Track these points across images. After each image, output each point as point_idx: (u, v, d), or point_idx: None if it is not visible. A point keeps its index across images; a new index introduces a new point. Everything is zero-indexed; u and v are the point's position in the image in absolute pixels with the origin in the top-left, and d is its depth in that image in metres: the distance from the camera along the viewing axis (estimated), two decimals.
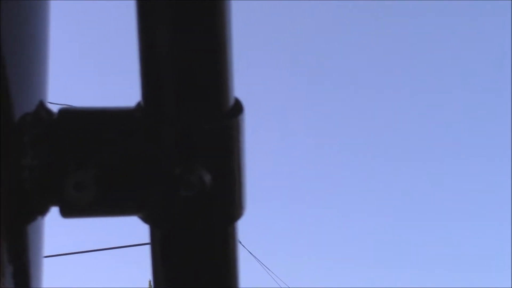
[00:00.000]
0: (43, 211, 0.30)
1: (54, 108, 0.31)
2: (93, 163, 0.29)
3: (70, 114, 0.31)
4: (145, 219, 0.31)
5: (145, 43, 0.29)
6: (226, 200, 0.31)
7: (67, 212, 0.29)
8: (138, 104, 0.30)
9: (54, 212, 0.30)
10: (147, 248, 0.34)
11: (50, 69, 0.32)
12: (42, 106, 0.29)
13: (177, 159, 0.30)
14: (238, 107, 0.31)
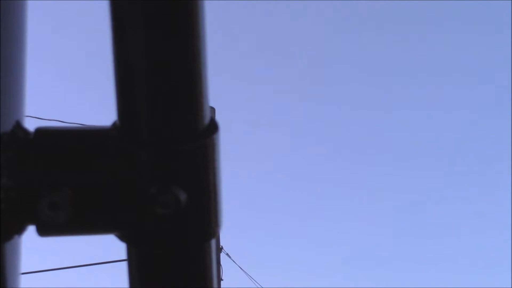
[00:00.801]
0: (20, 230, 0.30)
1: (32, 126, 0.31)
2: (68, 183, 0.29)
3: (46, 134, 0.30)
4: (121, 238, 0.31)
5: (119, 62, 0.29)
6: (202, 219, 0.31)
7: (43, 231, 0.29)
8: (114, 124, 0.30)
9: (31, 230, 0.30)
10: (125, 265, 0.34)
11: (27, 86, 0.32)
12: (18, 125, 0.29)
13: (152, 179, 0.30)
14: (213, 126, 0.31)
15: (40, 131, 0.30)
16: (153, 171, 0.30)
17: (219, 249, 22.22)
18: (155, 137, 0.30)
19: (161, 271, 0.33)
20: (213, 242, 0.33)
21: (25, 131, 0.30)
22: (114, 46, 0.29)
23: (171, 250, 0.32)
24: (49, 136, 0.31)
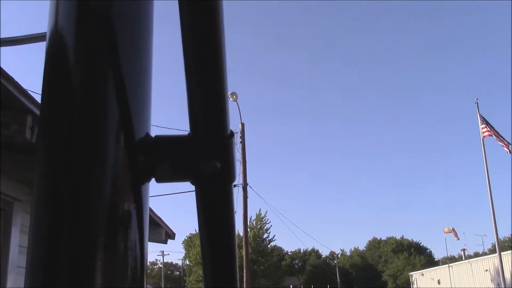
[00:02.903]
0: (149, 180, 0.59)
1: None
2: (170, 160, 0.59)
3: (160, 138, 0.60)
4: (192, 183, 0.62)
5: (190, 101, 0.59)
6: (227, 173, 0.62)
7: (159, 180, 0.59)
8: (189, 133, 0.61)
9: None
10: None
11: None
12: (148, 134, 0.58)
13: (205, 157, 0.60)
14: (232, 134, 0.62)
15: (157, 137, 0.60)
16: (206, 153, 0.60)
17: (246, 185, 22.54)
18: (208, 139, 0.60)
19: (210, 199, 0.65)
20: (232, 185, 0.65)
21: (151, 137, 0.59)
22: (186, 85, 0.58)
23: (216, 186, 0.64)
24: (162, 140, 0.60)
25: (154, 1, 0.61)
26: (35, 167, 0.54)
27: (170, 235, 9.33)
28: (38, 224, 0.51)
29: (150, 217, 8.08)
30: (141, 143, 0.56)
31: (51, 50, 0.56)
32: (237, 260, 0.70)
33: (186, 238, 52.96)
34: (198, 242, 45.86)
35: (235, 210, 0.67)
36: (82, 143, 0.52)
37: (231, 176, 0.62)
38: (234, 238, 0.69)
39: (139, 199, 0.55)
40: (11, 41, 1.27)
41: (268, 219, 46.36)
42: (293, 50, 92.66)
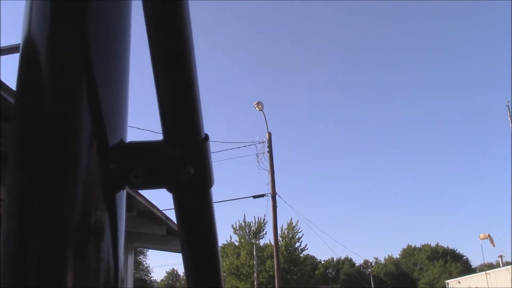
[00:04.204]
0: (123, 187, 0.57)
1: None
2: (143, 166, 0.57)
3: (133, 144, 0.59)
4: (168, 189, 0.60)
5: (160, 105, 0.57)
6: (203, 179, 0.60)
7: (132, 187, 0.57)
8: (163, 139, 0.59)
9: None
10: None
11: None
12: (121, 140, 0.57)
13: (180, 162, 0.58)
14: (206, 137, 0.60)
15: (131, 143, 0.58)
16: (180, 159, 0.58)
17: (275, 194, 22.65)
18: (181, 144, 0.58)
19: (187, 206, 0.63)
20: (210, 190, 0.63)
21: (125, 143, 0.57)
22: (156, 90, 0.57)
23: (191, 193, 0.62)
24: (134, 146, 0.59)
25: (133, 1, 0.60)
26: (7, 171, 0.53)
27: None
28: (8, 229, 0.51)
29: (170, 227, 8.23)
30: (113, 149, 0.56)
31: (24, 54, 0.55)
32: (220, 266, 0.70)
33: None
34: (229, 252, 46.09)
35: (214, 215, 0.67)
36: (53, 149, 0.51)
37: (207, 181, 0.62)
38: (215, 243, 0.68)
39: (112, 207, 0.55)
40: None
41: (299, 228, 46.13)
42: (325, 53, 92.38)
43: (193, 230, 0.66)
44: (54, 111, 0.52)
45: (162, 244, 9.08)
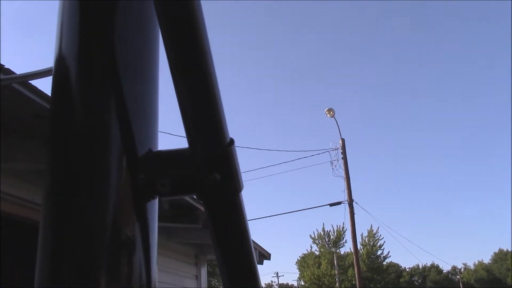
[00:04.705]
0: (152, 196, 0.58)
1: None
2: (169, 175, 0.58)
3: (160, 154, 0.59)
4: (197, 197, 0.60)
5: (182, 112, 0.57)
6: (230, 185, 0.59)
7: (161, 196, 0.58)
8: (188, 148, 0.59)
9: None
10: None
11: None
12: (150, 150, 0.59)
13: (205, 168, 0.58)
14: (231, 142, 0.59)
15: (157, 152, 0.59)
16: (205, 165, 0.58)
17: (352, 201, 22.54)
18: (204, 150, 0.58)
19: (216, 212, 0.62)
20: (240, 195, 0.62)
21: (154, 152, 0.59)
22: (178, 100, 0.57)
23: (219, 199, 0.61)
24: (161, 155, 0.59)
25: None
26: (43, 183, 0.56)
27: (265, 255, 9.34)
28: (44, 238, 0.53)
29: None
30: (142, 160, 0.57)
31: (57, 75, 0.59)
32: (257, 273, 0.68)
33: (299, 258, 52.81)
34: (310, 262, 45.93)
35: (246, 220, 0.65)
36: (85, 162, 0.54)
37: (235, 186, 0.60)
38: (249, 248, 0.66)
39: (143, 216, 0.56)
40: (22, 76, 1.36)
41: (380, 235, 45.09)
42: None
43: (225, 236, 0.65)
44: (85, 125, 0.55)
45: None
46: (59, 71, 0.58)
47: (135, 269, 0.53)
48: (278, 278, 63.42)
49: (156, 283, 0.57)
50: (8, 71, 2.85)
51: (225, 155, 0.58)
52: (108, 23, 0.58)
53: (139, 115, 0.58)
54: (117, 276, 0.51)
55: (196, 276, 8.78)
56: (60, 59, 0.58)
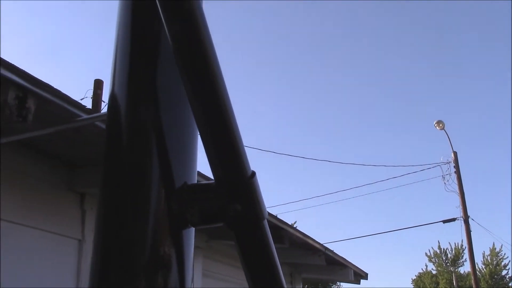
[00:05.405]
0: (186, 225, 0.65)
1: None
2: (197, 206, 0.64)
3: (190, 186, 0.66)
4: (225, 226, 0.65)
5: (205, 148, 0.63)
6: (252, 214, 0.64)
7: (191, 225, 0.65)
8: (214, 181, 0.64)
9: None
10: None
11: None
12: (185, 183, 0.66)
13: (227, 200, 0.63)
14: (253, 174, 0.64)
15: (188, 185, 0.66)
16: (227, 197, 0.63)
17: (467, 217, 21.05)
18: (227, 182, 0.63)
19: (243, 240, 0.67)
20: (264, 222, 0.66)
21: (190, 185, 0.66)
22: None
23: (244, 228, 0.66)
24: (190, 187, 0.66)
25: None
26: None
27: (362, 275, 9.14)
28: (93, 261, 0.63)
29: (333, 259, 8.10)
30: (177, 192, 0.64)
31: (109, 119, 0.69)
32: None
33: (415, 277, 50.68)
34: (427, 281, 43.77)
35: (272, 245, 0.69)
36: (131, 195, 0.63)
37: (257, 215, 0.65)
38: (277, 275, 0.69)
39: (178, 243, 0.63)
40: (77, 120, 1.52)
41: (505, 254, 41.99)
42: None
43: (253, 263, 0.69)
44: (131, 163, 0.64)
45: (329, 274, 8.97)
46: (111, 118, 0.69)
47: (170, 287, 0.60)
48: None
49: None
50: (8, 64, 2.90)
51: (247, 186, 0.63)
52: (153, 71, 0.67)
53: (178, 153, 0.66)
54: None
55: None
56: (112, 107, 0.69)
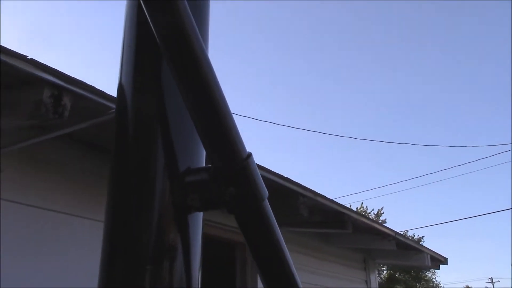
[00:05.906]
0: (189, 211, 0.65)
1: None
2: (196, 191, 0.64)
3: (190, 171, 0.66)
4: (227, 211, 0.64)
5: (198, 133, 0.63)
6: (250, 196, 0.63)
7: (194, 210, 0.65)
8: (210, 166, 0.65)
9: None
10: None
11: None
12: (188, 168, 0.66)
13: (222, 184, 0.62)
14: (248, 156, 0.63)
15: (190, 171, 0.66)
16: (222, 180, 0.62)
17: None
18: (222, 166, 0.63)
19: (244, 222, 0.66)
20: (264, 203, 0.65)
21: (189, 170, 0.66)
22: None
23: (243, 210, 0.65)
24: (191, 172, 0.66)
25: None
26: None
27: (440, 260, 8.77)
28: (104, 243, 0.65)
29: (405, 244, 7.81)
30: (179, 178, 0.65)
31: (118, 115, 0.71)
32: (292, 275, 0.69)
33: None
34: None
35: (275, 225, 0.68)
36: (137, 183, 0.65)
37: (255, 197, 0.64)
38: (283, 255, 0.68)
39: (183, 227, 0.64)
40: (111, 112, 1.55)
41: None
42: None
43: (256, 245, 0.68)
44: (137, 150, 0.67)
45: (404, 259, 8.69)
46: (120, 115, 0.71)
47: (176, 271, 0.62)
48: (493, 284, 58.14)
49: (199, 285, 0.65)
50: (7, 50, 2.94)
51: (242, 169, 0.62)
52: (158, 63, 0.69)
53: (183, 139, 0.68)
54: (160, 277, 0.60)
55: (366, 281, 8.62)
56: (120, 102, 0.71)
